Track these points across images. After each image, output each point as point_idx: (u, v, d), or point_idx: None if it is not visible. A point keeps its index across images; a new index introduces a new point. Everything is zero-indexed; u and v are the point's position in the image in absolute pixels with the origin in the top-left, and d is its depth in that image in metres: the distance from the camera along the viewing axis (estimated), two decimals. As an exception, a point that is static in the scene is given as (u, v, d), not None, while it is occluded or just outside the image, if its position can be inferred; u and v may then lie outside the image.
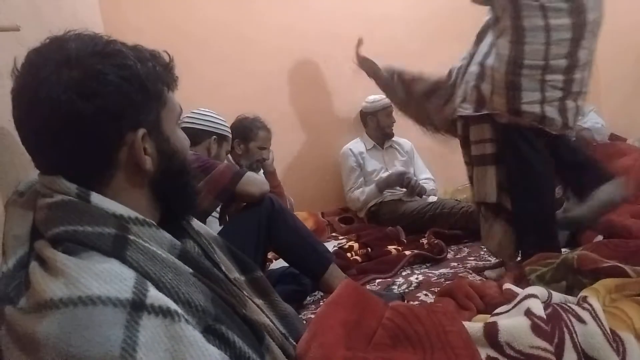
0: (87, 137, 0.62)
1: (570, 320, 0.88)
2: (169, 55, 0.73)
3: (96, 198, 0.62)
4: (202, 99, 2.68)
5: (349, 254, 2.21)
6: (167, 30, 3.00)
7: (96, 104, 0.61)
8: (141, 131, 0.66)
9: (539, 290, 1.01)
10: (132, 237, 0.60)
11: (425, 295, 1.73)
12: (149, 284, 0.55)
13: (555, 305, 0.92)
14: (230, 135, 2.05)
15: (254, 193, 1.60)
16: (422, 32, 3.48)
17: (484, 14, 3.56)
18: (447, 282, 1.76)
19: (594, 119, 3.17)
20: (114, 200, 0.64)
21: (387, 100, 2.98)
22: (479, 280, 1.77)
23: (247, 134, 2.35)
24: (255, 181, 1.63)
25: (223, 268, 0.78)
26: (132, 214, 0.64)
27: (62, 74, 0.61)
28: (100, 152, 0.64)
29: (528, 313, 0.87)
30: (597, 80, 3.72)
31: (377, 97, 3.04)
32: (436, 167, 3.19)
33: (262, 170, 2.50)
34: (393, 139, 3.09)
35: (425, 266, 2.10)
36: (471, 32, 3.56)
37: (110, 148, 0.65)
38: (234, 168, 1.68)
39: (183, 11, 3.08)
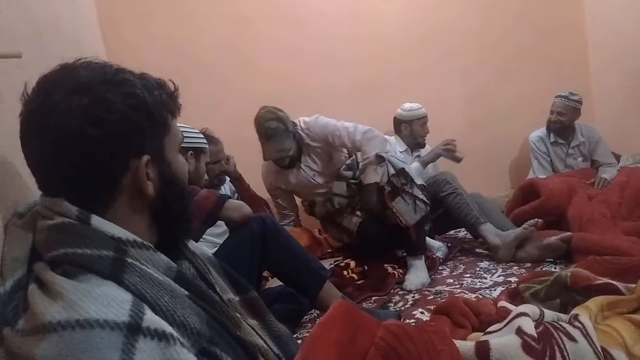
0: (92, 162, 0.64)
1: (561, 339, 0.89)
2: (174, 84, 0.76)
3: (96, 221, 0.64)
4: (200, 118, 2.70)
5: (345, 272, 2.21)
6: (167, 51, 3.05)
7: (104, 130, 0.63)
8: (145, 157, 0.68)
9: (530, 308, 1.03)
10: (130, 260, 0.61)
11: (422, 313, 1.73)
12: (146, 306, 0.56)
13: (546, 324, 0.93)
14: (207, 147, 1.99)
15: (235, 218, 1.62)
16: (418, 51, 3.54)
17: (482, 31, 3.64)
18: (443, 300, 1.76)
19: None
20: (113, 223, 0.65)
21: (424, 110, 3.03)
22: (475, 297, 1.78)
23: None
24: (236, 206, 1.65)
25: (217, 289, 0.80)
26: (131, 236, 0.65)
27: (73, 100, 0.63)
28: (104, 177, 0.66)
29: (519, 332, 0.89)
30: (589, 97, 3.78)
31: (413, 105, 3.04)
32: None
33: (228, 179, 2.45)
34: (423, 149, 3.06)
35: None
36: (467, 50, 3.66)
37: (115, 173, 0.67)
38: (216, 193, 1.70)
39: (182, 33, 3.13)
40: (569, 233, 2.15)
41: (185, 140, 1.84)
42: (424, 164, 2.81)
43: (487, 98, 3.66)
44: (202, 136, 1.99)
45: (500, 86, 3.68)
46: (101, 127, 0.63)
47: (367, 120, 3.39)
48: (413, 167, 2.62)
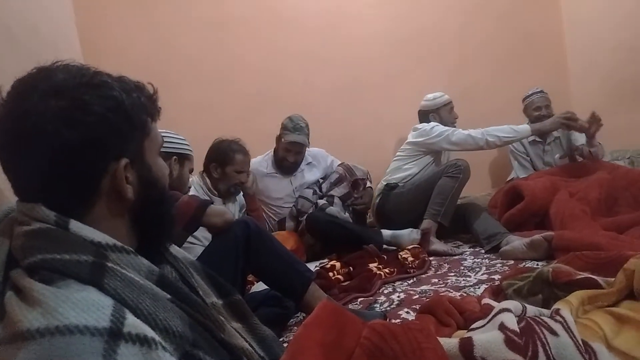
0: (70, 166, 0.63)
1: (543, 333, 0.90)
2: (153, 87, 0.75)
3: (75, 225, 0.63)
4: (186, 120, 2.70)
5: (330, 274, 2.21)
6: (148, 55, 3.04)
7: (81, 133, 0.63)
8: (124, 161, 0.67)
9: (513, 304, 1.04)
10: (110, 265, 0.61)
11: (407, 312, 1.74)
12: (127, 311, 0.56)
13: (528, 319, 0.95)
14: (192, 154, 2.00)
15: (216, 223, 1.61)
16: (403, 53, 3.58)
17: (464, 35, 3.69)
18: (427, 299, 1.77)
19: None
20: (93, 228, 0.64)
21: (448, 97, 3.04)
22: (459, 296, 1.79)
23: (224, 157, 2.34)
24: (218, 212, 1.64)
25: (200, 293, 0.79)
26: (110, 241, 0.64)
27: (49, 103, 0.62)
28: (82, 181, 0.65)
29: (502, 327, 0.90)
30: (568, 98, 3.86)
31: (436, 94, 3.06)
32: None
33: (241, 193, 2.50)
34: None
35: (406, 283, 2.12)
36: (450, 52, 3.70)
37: (93, 177, 0.66)
38: (198, 198, 1.69)
39: (164, 35, 3.12)
40: (551, 232, 2.19)
41: (169, 146, 1.85)
42: (536, 132, 2.83)
43: (468, 99, 3.70)
44: (187, 143, 1.99)
45: (481, 88, 3.73)
46: (78, 130, 0.62)
47: (350, 120, 3.44)
48: (521, 128, 2.78)
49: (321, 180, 2.90)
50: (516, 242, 2.26)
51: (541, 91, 3.24)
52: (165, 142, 1.84)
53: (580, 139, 3.19)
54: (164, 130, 1.85)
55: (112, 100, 0.66)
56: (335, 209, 2.68)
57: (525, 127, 2.79)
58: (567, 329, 0.93)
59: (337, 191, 2.74)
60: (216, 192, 2.36)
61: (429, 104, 3.06)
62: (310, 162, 2.94)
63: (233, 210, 2.43)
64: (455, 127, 2.99)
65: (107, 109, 0.65)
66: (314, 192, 2.81)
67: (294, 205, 2.78)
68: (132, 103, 0.69)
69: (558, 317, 0.96)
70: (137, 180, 0.70)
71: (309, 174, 2.92)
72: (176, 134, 1.95)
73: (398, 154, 3.10)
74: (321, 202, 2.72)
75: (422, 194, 2.72)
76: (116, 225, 0.69)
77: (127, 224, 0.71)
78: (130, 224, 0.72)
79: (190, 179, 2.09)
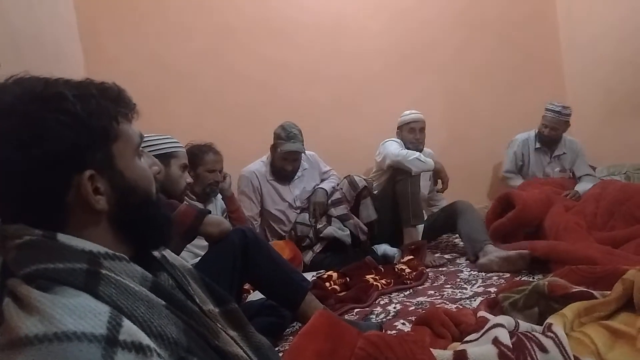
0: (31, 185, 0.62)
1: (533, 349, 0.91)
2: (118, 87, 0.72)
3: (63, 237, 0.63)
4: (179, 131, 2.68)
5: (327, 284, 2.21)
6: (149, 63, 3.04)
7: (35, 151, 0.61)
8: (88, 172, 0.65)
9: (506, 319, 1.05)
10: (104, 272, 0.61)
11: (403, 324, 1.74)
12: (124, 318, 0.56)
13: (519, 334, 0.96)
14: (177, 150, 1.91)
15: (213, 233, 1.62)
16: (402, 68, 3.60)
17: (463, 51, 3.73)
18: (424, 311, 1.77)
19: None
20: (80, 238, 0.64)
21: (413, 117, 3.09)
22: (455, 308, 1.80)
23: (194, 160, 2.31)
24: (215, 222, 1.64)
25: (197, 300, 0.79)
26: (102, 249, 0.64)
27: None
28: (48, 198, 0.64)
29: (496, 342, 0.90)
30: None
31: (406, 112, 3.12)
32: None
33: (219, 195, 2.48)
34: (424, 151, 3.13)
35: (403, 295, 2.12)
36: (448, 67, 3.73)
37: (57, 193, 0.64)
38: (195, 207, 1.69)
39: (164, 44, 3.13)
40: (526, 250, 2.22)
41: (150, 150, 1.78)
42: (435, 170, 2.94)
43: (466, 113, 3.74)
44: (168, 140, 1.90)
45: (480, 102, 3.76)
46: (31, 148, 0.61)
47: (346, 134, 3.45)
48: (428, 161, 2.86)
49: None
50: (493, 254, 2.29)
51: (558, 112, 3.22)
52: (148, 147, 1.78)
53: (582, 168, 3.28)
54: (146, 135, 1.73)
55: (65, 113, 0.63)
56: (332, 228, 2.70)
57: (430, 162, 2.87)
58: (559, 344, 0.93)
59: (335, 212, 2.76)
60: (194, 197, 2.34)
61: (398, 121, 3.15)
62: (306, 169, 2.95)
63: (214, 213, 2.41)
64: (416, 147, 3.00)
65: (60, 123, 0.62)
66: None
67: (292, 230, 2.80)
68: (90, 111, 0.65)
69: (550, 333, 0.97)
70: (110, 188, 0.68)
71: (308, 180, 2.93)
72: (156, 135, 1.87)
73: (372, 173, 3.21)
74: (319, 225, 2.74)
75: (386, 202, 2.88)
76: (99, 235, 0.67)
77: (110, 232, 0.69)
78: (114, 232, 0.70)
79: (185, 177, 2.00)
